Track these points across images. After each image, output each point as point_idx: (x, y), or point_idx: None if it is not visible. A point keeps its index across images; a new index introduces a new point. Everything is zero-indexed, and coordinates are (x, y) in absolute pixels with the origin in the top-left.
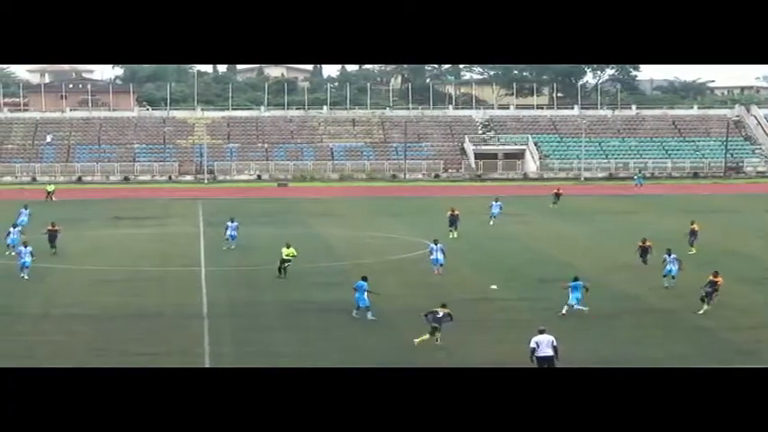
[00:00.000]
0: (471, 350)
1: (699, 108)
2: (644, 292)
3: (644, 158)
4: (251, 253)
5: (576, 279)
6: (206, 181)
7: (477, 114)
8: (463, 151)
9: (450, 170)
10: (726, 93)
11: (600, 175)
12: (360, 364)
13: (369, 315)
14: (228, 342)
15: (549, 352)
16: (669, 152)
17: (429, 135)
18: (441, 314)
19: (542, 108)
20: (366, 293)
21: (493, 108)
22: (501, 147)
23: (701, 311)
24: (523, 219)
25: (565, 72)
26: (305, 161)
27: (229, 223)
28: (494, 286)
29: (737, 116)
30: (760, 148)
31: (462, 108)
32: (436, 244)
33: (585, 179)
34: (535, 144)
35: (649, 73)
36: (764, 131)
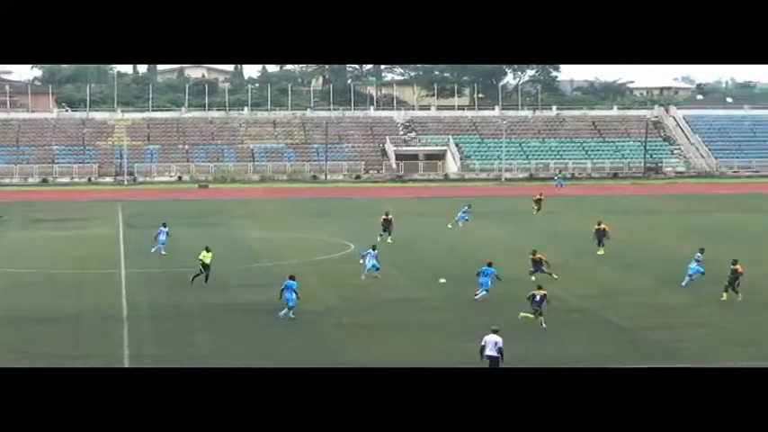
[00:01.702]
0: (392, 350)
1: (618, 109)
2: (566, 292)
3: (564, 159)
4: (172, 255)
5: (489, 265)
6: (126, 183)
7: (399, 115)
8: (384, 152)
9: (371, 171)
10: (645, 93)
11: (520, 175)
12: (281, 364)
13: (288, 314)
14: (149, 344)
15: (494, 353)
16: (589, 153)
17: (350, 136)
18: (538, 297)
19: (463, 109)
20: (293, 293)
21: (414, 109)
22: (422, 148)
23: (722, 298)
24: (447, 220)
25: (485, 73)
26: (226, 162)
27: (162, 228)
28: (442, 280)
29: (656, 117)
30: (679, 149)
31: (383, 109)
32: (374, 249)
33: (506, 180)
34: (456, 145)
35: (569, 74)
36: (683, 132)
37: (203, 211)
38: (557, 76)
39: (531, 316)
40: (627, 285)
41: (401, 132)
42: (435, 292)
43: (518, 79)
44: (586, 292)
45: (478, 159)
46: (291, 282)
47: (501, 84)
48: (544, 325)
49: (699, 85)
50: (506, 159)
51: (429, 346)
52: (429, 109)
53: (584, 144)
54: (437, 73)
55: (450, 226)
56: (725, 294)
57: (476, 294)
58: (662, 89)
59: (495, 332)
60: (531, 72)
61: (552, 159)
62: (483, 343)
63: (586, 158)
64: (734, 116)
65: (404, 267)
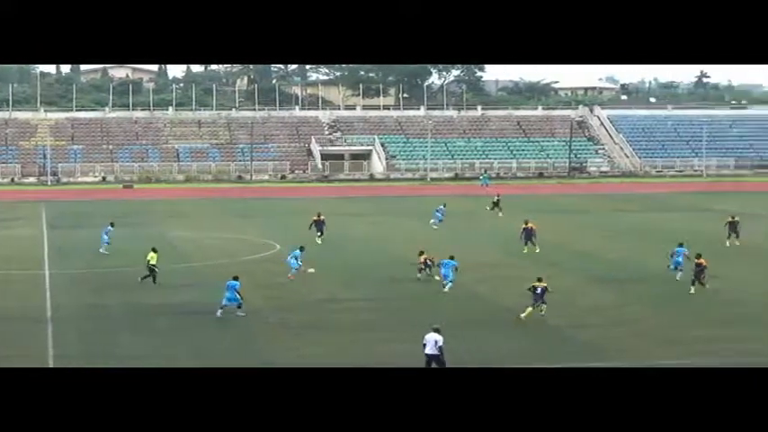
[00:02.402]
0: (320, 350)
1: (543, 109)
2: (493, 291)
3: (489, 159)
4: (97, 256)
5: (451, 258)
6: (49, 183)
7: (324, 115)
8: (310, 152)
9: (296, 171)
10: (570, 93)
11: (446, 175)
12: (209, 364)
13: (221, 313)
14: (74, 345)
15: (433, 351)
16: (514, 152)
17: (275, 136)
18: (539, 289)
19: (389, 109)
20: (236, 292)
21: (339, 109)
22: (347, 147)
23: (691, 292)
24: (372, 219)
25: (411, 73)
26: (150, 162)
27: (109, 227)
28: (311, 270)
29: (581, 117)
30: (603, 149)
31: (309, 109)
32: (302, 250)
33: (432, 179)
34: (382, 145)
35: (494, 74)
36: (607, 132)
37: (128, 211)
38: (482, 77)
39: (530, 309)
40: (553, 284)
41: (326, 132)
42: (362, 293)
43: (443, 79)
44: (512, 291)
45: (404, 159)
46: (234, 282)
47: (426, 84)
48: (543, 312)
49: (623, 86)
50: (432, 159)
51: (357, 347)
52: (354, 109)
53: (509, 144)
54: (362, 73)
55: (435, 227)
56: (692, 288)
57: (443, 287)
58: (586, 89)
59: (436, 331)
60: (456, 72)
61: (478, 159)
62: (424, 341)
63: (512, 158)
64: (657, 116)
65: (330, 267)
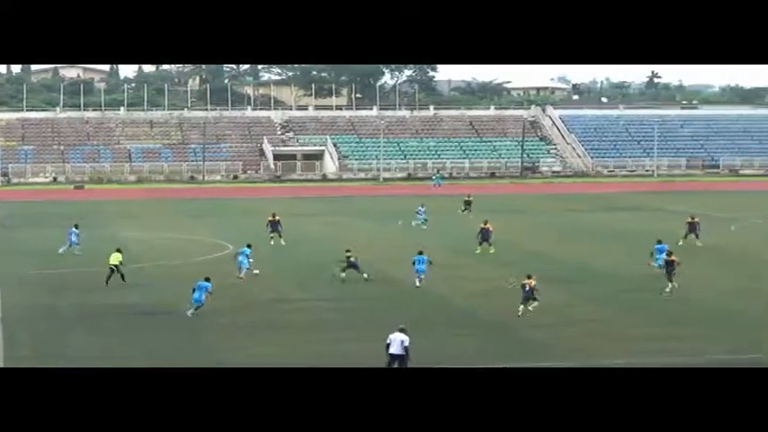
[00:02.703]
0: (270, 350)
1: (495, 109)
2: (449, 291)
3: (442, 159)
4: (49, 256)
5: (420, 253)
6: (0, 184)
7: (276, 115)
8: (262, 152)
9: (249, 171)
10: (522, 93)
11: (399, 175)
12: (161, 364)
13: (193, 312)
14: (26, 346)
15: (399, 351)
16: (467, 152)
17: (228, 136)
18: (527, 287)
19: (341, 109)
20: (205, 294)
21: (291, 109)
22: (300, 148)
23: (667, 289)
24: (325, 219)
25: (363, 73)
26: (102, 163)
27: (73, 229)
28: (256, 271)
29: (533, 117)
30: (555, 149)
31: (261, 109)
32: (249, 248)
33: (384, 179)
34: (334, 145)
35: (447, 74)
36: (559, 132)
37: (80, 212)
38: (434, 77)
39: (522, 307)
40: (504, 284)
41: (279, 132)
42: (315, 293)
43: (396, 79)
44: (466, 291)
45: (356, 159)
46: (206, 283)
47: (378, 84)
48: (519, 313)
49: (574, 86)
50: (384, 159)
51: (309, 346)
52: (307, 109)
53: (461, 144)
54: (315, 73)
55: (424, 227)
56: (669, 285)
57: (416, 282)
58: (538, 89)
59: (402, 330)
60: (408, 72)
61: (430, 159)
62: (388, 341)
63: (464, 158)
64: (609, 116)
65: (282, 268)
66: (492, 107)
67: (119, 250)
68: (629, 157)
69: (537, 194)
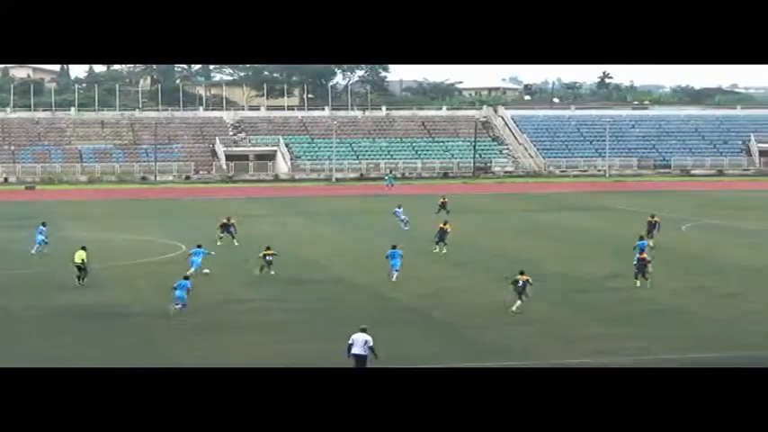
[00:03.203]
0: (220, 351)
1: (447, 109)
2: (396, 291)
3: (394, 159)
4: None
5: (394, 247)
6: None
7: (228, 116)
8: (214, 153)
9: (201, 172)
10: (474, 94)
11: (351, 175)
12: (115, 365)
13: (180, 309)
14: None
15: (363, 351)
16: (419, 152)
17: (179, 137)
18: (521, 282)
19: (293, 109)
20: (186, 291)
21: (243, 109)
22: (252, 148)
23: (637, 285)
24: (277, 220)
25: (315, 73)
26: (53, 163)
27: (41, 227)
28: (206, 270)
29: (485, 117)
30: (507, 149)
31: (213, 109)
32: (199, 248)
33: (337, 180)
34: (286, 145)
35: (399, 74)
36: (511, 132)
37: (30, 212)
38: (386, 77)
39: (518, 302)
40: (458, 284)
41: (231, 133)
42: (266, 294)
43: (347, 79)
44: (419, 292)
45: (309, 159)
46: (185, 282)
47: (330, 84)
48: (514, 309)
49: (526, 86)
50: (337, 159)
51: (259, 347)
52: (259, 109)
53: (414, 144)
54: (266, 73)
55: (407, 228)
56: (637, 282)
57: (391, 277)
58: (490, 90)
59: (363, 330)
60: (360, 72)
61: (383, 159)
62: (351, 341)
63: (416, 158)
64: (561, 116)
65: (234, 268)
66: (444, 107)
67: (83, 248)
68: (581, 157)
69: (489, 194)
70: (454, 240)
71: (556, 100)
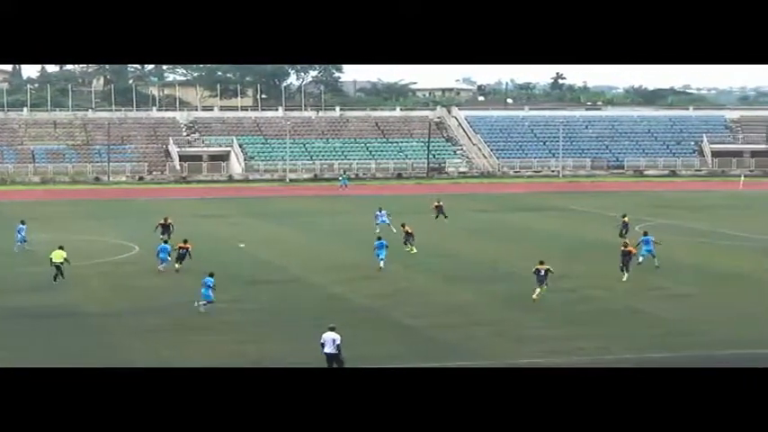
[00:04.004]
0: (177, 352)
1: (401, 110)
2: (352, 291)
3: (348, 159)
4: None
5: (379, 239)
6: None
7: (182, 116)
8: (168, 153)
9: (154, 172)
10: (427, 94)
11: (305, 176)
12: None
13: (202, 308)
14: None
15: (332, 350)
16: (373, 153)
17: (133, 137)
18: (542, 271)
19: (246, 110)
20: (210, 289)
21: (197, 110)
22: (206, 148)
23: (624, 279)
24: (231, 220)
25: (268, 73)
26: (5, 164)
27: (21, 225)
28: (241, 245)
29: (439, 118)
30: (461, 149)
31: (166, 110)
32: (166, 244)
33: (291, 180)
34: (240, 146)
35: (352, 75)
36: (465, 133)
37: None
38: (340, 77)
39: (539, 290)
40: (413, 285)
41: (184, 133)
42: (222, 294)
43: (301, 80)
44: (374, 292)
45: (262, 160)
46: (209, 279)
47: (284, 84)
48: (534, 296)
49: (480, 87)
50: (290, 160)
51: (216, 348)
52: (212, 110)
53: (367, 144)
54: (220, 73)
55: (395, 230)
56: (625, 275)
57: (380, 265)
58: (444, 90)
59: (332, 330)
60: (314, 73)
61: (337, 160)
62: (322, 341)
63: (370, 159)
64: (514, 117)
65: (188, 269)
66: (398, 108)
67: (61, 248)
68: (535, 157)
69: (443, 195)
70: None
71: (509, 100)
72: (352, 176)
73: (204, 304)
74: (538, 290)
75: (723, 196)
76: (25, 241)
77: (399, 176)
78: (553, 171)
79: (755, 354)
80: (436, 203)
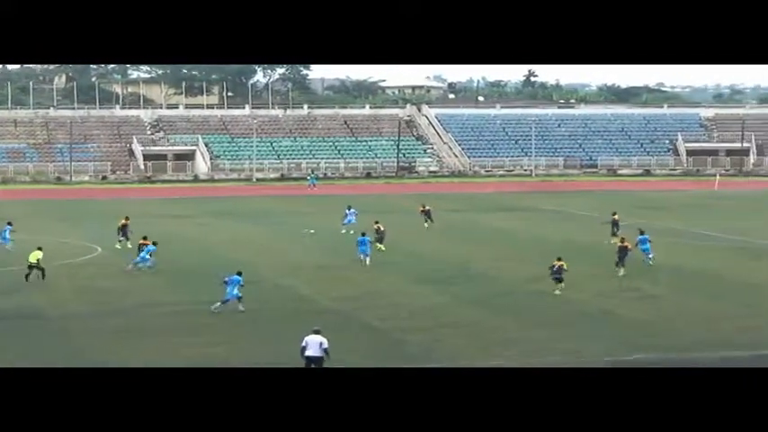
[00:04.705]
0: (142, 354)
1: (370, 108)
2: (318, 293)
3: (316, 159)
4: None
5: (363, 234)
6: None
7: (146, 114)
8: (131, 152)
9: (117, 172)
10: (397, 92)
11: (272, 175)
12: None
13: (240, 306)
14: None
15: (317, 353)
16: (342, 152)
17: (96, 136)
18: (555, 267)
19: (212, 108)
20: (238, 287)
21: (162, 108)
22: (171, 147)
23: (621, 274)
24: (197, 220)
25: (235, 71)
26: None
27: (8, 226)
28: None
29: (409, 116)
30: (432, 148)
31: (130, 108)
32: (155, 245)
33: (258, 180)
34: (206, 144)
35: (320, 72)
36: (436, 131)
37: None
38: (308, 75)
39: (559, 284)
40: (381, 286)
41: (149, 132)
42: (186, 296)
43: (268, 77)
44: (342, 294)
45: (229, 159)
46: (237, 277)
47: (251, 82)
48: (557, 292)
49: (450, 84)
50: (257, 159)
51: (181, 350)
52: (177, 108)
53: (336, 143)
54: (185, 71)
55: (344, 231)
56: (622, 270)
57: (364, 263)
58: (414, 88)
59: (316, 333)
60: (281, 70)
61: (304, 159)
62: (304, 344)
63: (339, 158)
64: (486, 115)
65: (153, 270)
66: (367, 106)
67: (39, 248)
68: (507, 156)
69: (413, 194)
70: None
71: (481, 98)
72: (321, 176)
73: (226, 301)
74: (561, 284)
75: (698, 196)
76: (11, 241)
77: (368, 176)
78: (525, 170)
79: (726, 356)
80: (422, 208)
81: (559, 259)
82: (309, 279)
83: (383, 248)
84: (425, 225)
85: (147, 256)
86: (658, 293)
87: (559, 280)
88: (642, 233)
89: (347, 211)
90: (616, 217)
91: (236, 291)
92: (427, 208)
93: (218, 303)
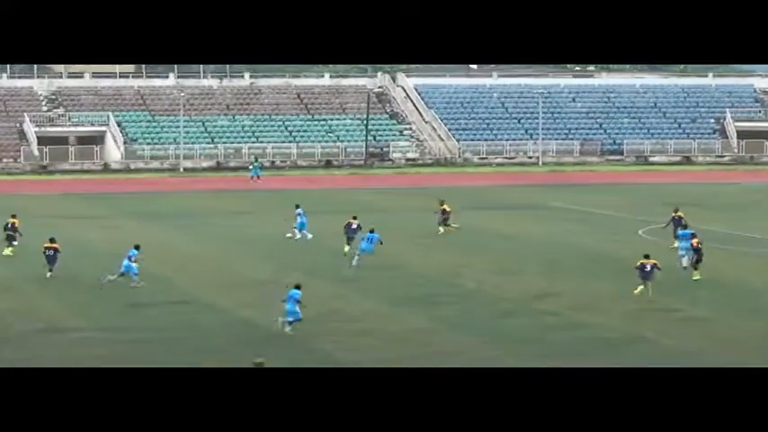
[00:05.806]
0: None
1: (331, 77)
2: (264, 316)
3: (262, 142)
4: None
5: (371, 231)
6: None
7: (41, 85)
8: (23, 134)
9: (5, 160)
10: None
11: (205, 164)
12: None
13: (284, 323)
14: None
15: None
16: (294, 134)
17: None
18: (648, 266)
19: (127, 77)
20: (298, 304)
21: (62, 77)
22: (73, 128)
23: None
24: (108, 222)
25: None
26: None
27: None
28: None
29: (380, 87)
30: (409, 129)
31: (21, 77)
32: (137, 249)
33: (185, 170)
34: (119, 125)
35: None
36: (415, 107)
37: None
38: None
39: (641, 287)
40: (346, 307)
41: (45, 108)
42: (93, 321)
43: None
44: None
45: (148, 144)
46: (296, 291)
47: None
48: (651, 293)
49: None
50: (185, 143)
51: None
52: (82, 77)
53: (287, 123)
54: None
55: (298, 237)
56: (696, 274)
57: (353, 262)
58: None
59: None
60: None
61: (245, 143)
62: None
63: (291, 142)
64: (480, 86)
65: (53, 287)
66: (326, 74)
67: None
68: (507, 139)
69: (386, 188)
70: (338, 249)
71: (473, 66)
72: (267, 165)
73: (290, 322)
74: (641, 287)
75: (752, 190)
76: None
77: (329, 164)
78: (530, 157)
79: None
80: (441, 207)
81: (648, 257)
82: (251, 299)
83: (346, 249)
84: (440, 230)
85: (133, 264)
86: (702, 316)
87: (646, 280)
88: (686, 227)
89: (297, 212)
90: (679, 214)
91: (297, 308)
92: (446, 208)
93: (283, 320)
